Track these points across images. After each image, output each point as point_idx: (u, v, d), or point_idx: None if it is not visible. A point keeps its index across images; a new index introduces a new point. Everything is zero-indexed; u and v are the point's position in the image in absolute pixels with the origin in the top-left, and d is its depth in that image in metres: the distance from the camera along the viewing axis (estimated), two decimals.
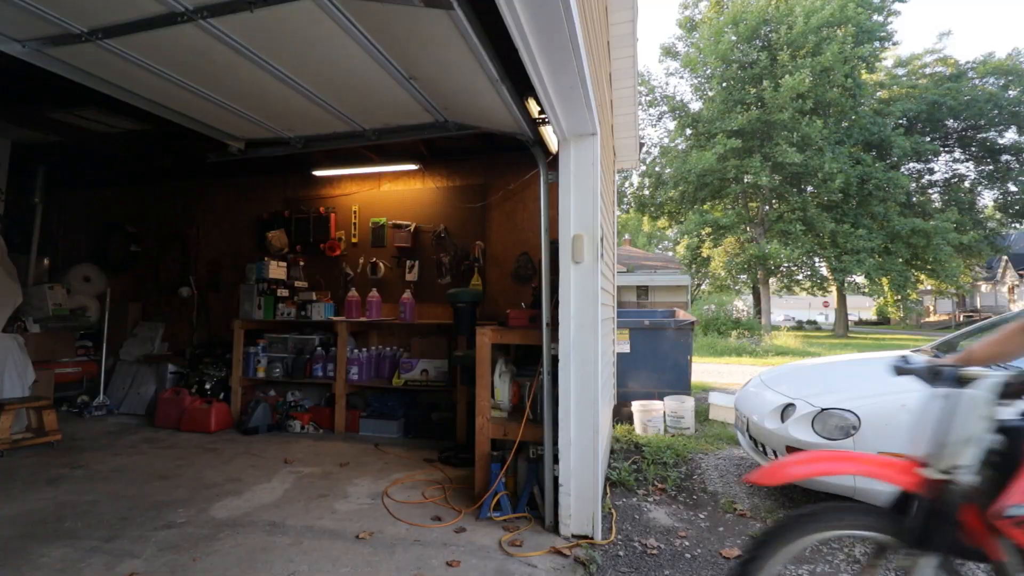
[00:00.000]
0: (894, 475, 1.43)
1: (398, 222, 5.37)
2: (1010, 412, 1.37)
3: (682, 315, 6.50)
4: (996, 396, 1.32)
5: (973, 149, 23.80)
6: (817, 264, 24.04)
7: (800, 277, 25.56)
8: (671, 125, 25.40)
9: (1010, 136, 22.74)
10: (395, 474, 3.74)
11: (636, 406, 5.13)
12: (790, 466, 1.50)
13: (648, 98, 24.32)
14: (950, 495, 1.33)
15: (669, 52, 25.13)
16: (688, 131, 23.40)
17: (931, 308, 37.37)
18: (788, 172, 20.72)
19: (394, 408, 4.98)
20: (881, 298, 24.52)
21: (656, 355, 5.72)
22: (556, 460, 2.85)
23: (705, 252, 24.80)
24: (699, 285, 29.08)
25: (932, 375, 1.43)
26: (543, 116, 3.15)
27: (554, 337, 2.94)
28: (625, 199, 26.88)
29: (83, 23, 2.47)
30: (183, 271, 6.18)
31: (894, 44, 23.12)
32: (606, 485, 3.57)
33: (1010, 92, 21.64)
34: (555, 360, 2.90)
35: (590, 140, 2.95)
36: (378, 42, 2.54)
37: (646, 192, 25.82)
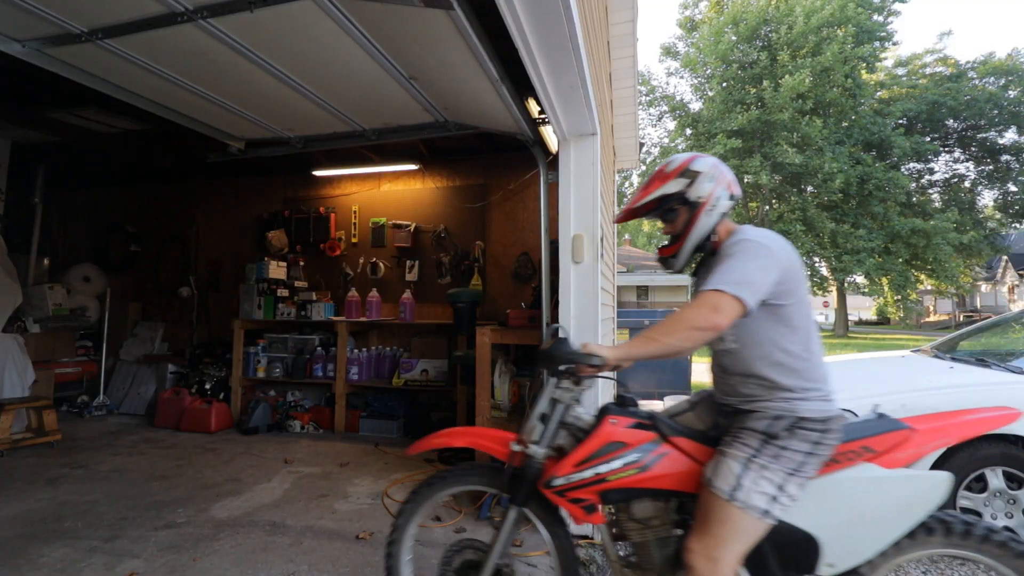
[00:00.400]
0: (494, 447, 1.68)
1: (398, 222, 5.36)
2: (586, 399, 1.67)
3: None
4: (559, 382, 1.57)
5: (973, 149, 23.77)
6: (817, 264, 24.04)
7: None
8: (671, 125, 25.41)
9: (1010, 136, 22.72)
10: (395, 474, 3.74)
11: None
12: (432, 439, 1.81)
13: (648, 98, 24.32)
14: (528, 464, 1.58)
15: (669, 52, 25.13)
16: (688, 131, 23.39)
17: (931, 308, 37.37)
18: (788, 172, 20.72)
19: (394, 408, 4.98)
20: (881, 298, 24.54)
21: None
22: None
23: None
24: None
25: (549, 360, 1.55)
26: (543, 116, 3.15)
27: None
28: (625, 199, 26.89)
29: (83, 23, 2.47)
30: (183, 271, 6.18)
31: (894, 44, 23.12)
32: None
33: (1010, 92, 21.61)
34: None
35: (590, 140, 2.95)
36: (378, 42, 2.54)
37: None
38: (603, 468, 1.48)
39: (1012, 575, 1.35)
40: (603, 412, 1.57)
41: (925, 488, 1.39)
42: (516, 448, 1.61)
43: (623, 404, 1.59)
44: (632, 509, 1.54)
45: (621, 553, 1.64)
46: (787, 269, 1.41)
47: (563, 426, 1.60)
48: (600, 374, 1.53)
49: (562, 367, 1.54)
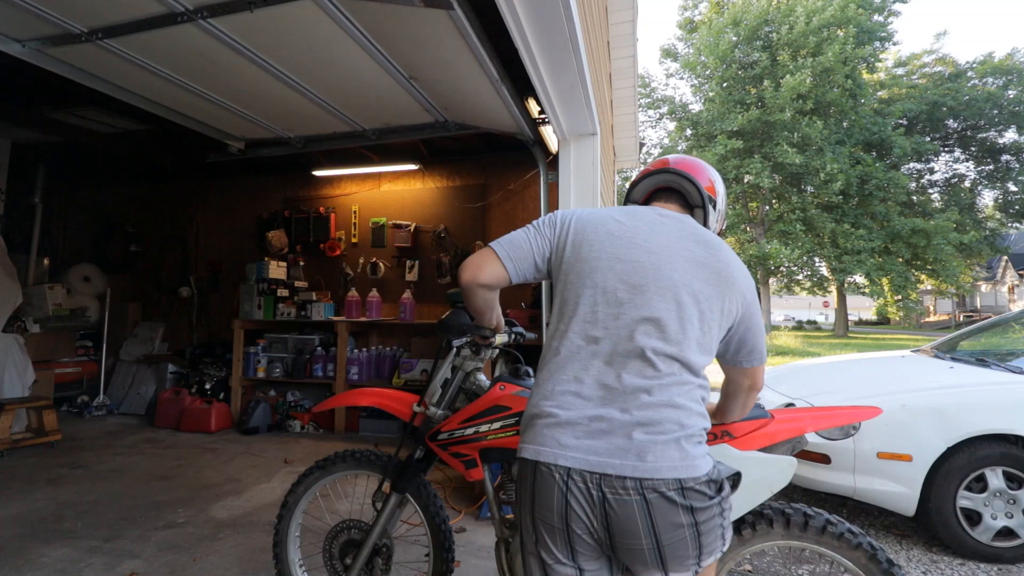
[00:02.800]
0: (398, 407, 1.82)
1: (398, 222, 5.36)
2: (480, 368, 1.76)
3: None
4: (459, 350, 1.72)
5: (973, 149, 23.77)
6: (817, 264, 24.03)
7: (800, 277, 25.53)
8: (671, 126, 25.41)
9: (1010, 136, 22.71)
10: None
11: None
12: (339, 398, 2.01)
13: (647, 100, 24.31)
14: (425, 423, 1.74)
15: (669, 54, 25.12)
16: (688, 132, 23.39)
17: (931, 308, 37.38)
18: (788, 172, 20.71)
19: None
20: (881, 298, 24.49)
21: None
22: None
23: None
24: None
25: (446, 329, 1.66)
26: (543, 116, 3.15)
27: None
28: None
29: (83, 23, 2.47)
30: (183, 271, 6.17)
31: (894, 44, 23.13)
32: None
33: (1010, 92, 21.59)
34: None
35: (590, 140, 2.96)
36: (378, 42, 2.54)
37: None
38: (484, 428, 1.60)
39: (852, 567, 1.40)
40: (496, 379, 1.66)
41: (771, 470, 1.46)
42: (417, 409, 1.76)
43: (517, 374, 1.67)
44: (512, 470, 1.67)
45: (505, 515, 1.76)
46: (563, 239, 1.20)
47: (463, 391, 1.74)
48: (497, 344, 1.67)
49: (457, 340, 1.69)
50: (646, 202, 1.36)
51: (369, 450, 1.93)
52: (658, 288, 1.10)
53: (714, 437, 1.46)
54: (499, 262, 1.20)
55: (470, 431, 1.62)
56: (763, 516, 1.47)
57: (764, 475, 1.45)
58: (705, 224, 1.30)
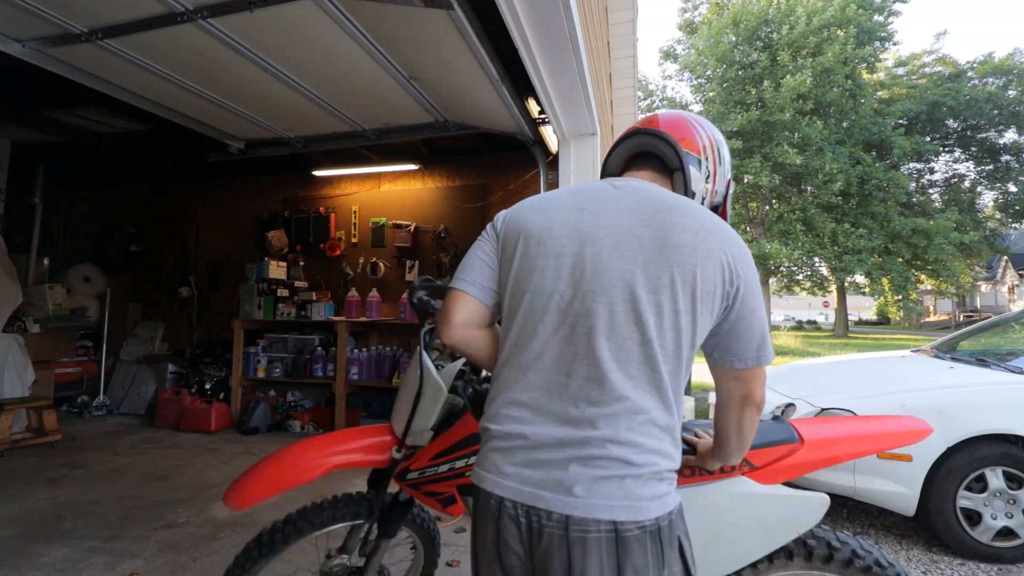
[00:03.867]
0: (367, 458, 1.51)
1: (398, 222, 5.36)
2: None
3: None
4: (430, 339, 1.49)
5: (973, 149, 23.78)
6: (817, 264, 24.03)
7: (800, 277, 25.52)
8: None
9: (1010, 136, 22.73)
10: None
11: None
12: (266, 474, 1.52)
13: (646, 102, 24.31)
14: (394, 463, 1.49)
15: (669, 55, 25.14)
16: None
17: (931, 308, 37.39)
18: (788, 172, 20.72)
19: None
20: (881, 298, 24.51)
21: None
22: None
23: None
24: None
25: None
26: (543, 116, 3.15)
27: None
28: None
29: (83, 23, 2.47)
30: (183, 271, 6.17)
31: (894, 44, 23.14)
32: None
33: (1010, 92, 21.61)
34: None
35: (590, 140, 2.96)
36: (378, 42, 2.54)
37: None
38: (460, 463, 1.39)
39: None
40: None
41: (798, 510, 1.25)
42: (397, 456, 1.48)
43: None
44: None
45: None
46: (501, 239, 1.03)
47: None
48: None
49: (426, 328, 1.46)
50: (623, 173, 1.14)
51: (328, 502, 1.55)
52: (601, 286, 0.89)
53: (731, 467, 1.24)
54: (461, 293, 1.02)
55: (444, 468, 1.40)
56: (782, 546, 1.28)
57: (789, 515, 1.24)
58: (686, 190, 1.07)
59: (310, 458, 1.48)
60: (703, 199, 1.12)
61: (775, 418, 1.40)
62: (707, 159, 1.11)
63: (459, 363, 1.48)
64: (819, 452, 1.31)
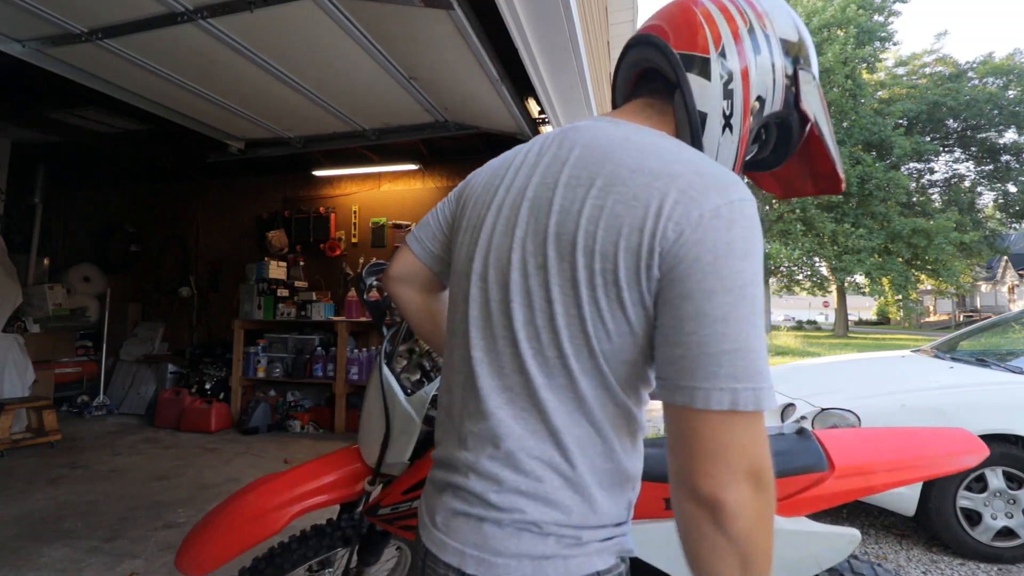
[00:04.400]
0: (336, 494, 1.34)
1: (398, 222, 5.36)
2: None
3: None
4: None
5: (973, 149, 23.80)
6: (817, 264, 24.04)
7: (800, 277, 25.54)
8: None
9: (1010, 136, 22.75)
10: None
11: None
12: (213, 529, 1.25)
13: None
14: (366, 495, 1.35)
15: None
16: None
17: (931, 308, 37.40)
18: None
19: None
20: (881, 298, 24.53)
21: None
22: None
23: None
24: None
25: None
26: (543, 116, 3.15)
27: None
28: None
29: (83, 23, 2.47)
30: (183, 271, 6.17)
31: (895, 44, 23.15)
32: None
33: (1010, 92, 21.64)
34: None
35: None
36: (378, 42, 2.54)
37: None
38: None
39: None
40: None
41: (823, 547, 1.11)
42: (370, 488, 1.31)
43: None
44: None
45: None
46: (456, 209, 0.81)
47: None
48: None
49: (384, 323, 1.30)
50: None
51: (295, 540, 1.38)
52: (487, 268, 0.68)
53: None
54: (404, 247, 0.89)
55: (417, 503, 1.23)
56: None
57: (813, 552, 1.10)
58: (689, 117, 0.67)
59: (271, 507, 1.26)
60: (729, 127, 0.68)
61: (799, 432, 1.19)
62: (730, 49, 0.67)
63: (432, 387, 1.31)
64: (852, 483, 1.13)
